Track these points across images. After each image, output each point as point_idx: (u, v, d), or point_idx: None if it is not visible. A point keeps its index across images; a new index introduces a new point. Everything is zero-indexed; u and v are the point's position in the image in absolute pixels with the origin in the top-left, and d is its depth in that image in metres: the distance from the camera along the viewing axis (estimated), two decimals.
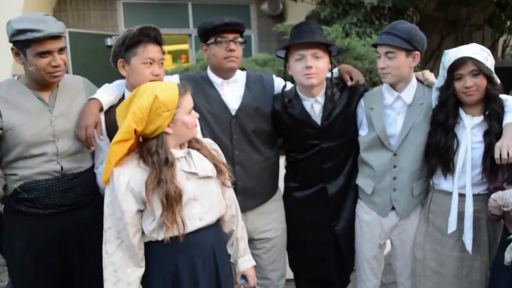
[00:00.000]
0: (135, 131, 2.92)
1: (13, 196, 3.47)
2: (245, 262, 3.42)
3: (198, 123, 3.15)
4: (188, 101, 3.03)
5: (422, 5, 9.59)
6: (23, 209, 3.47)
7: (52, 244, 3.53)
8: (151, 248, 3.06)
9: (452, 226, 3.60)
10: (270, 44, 12.13)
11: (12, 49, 3.42)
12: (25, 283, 3.57)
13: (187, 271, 3.03)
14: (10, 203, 3.52)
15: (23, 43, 3.33)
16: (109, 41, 10.95)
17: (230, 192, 3.36)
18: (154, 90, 2.94)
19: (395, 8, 9.19)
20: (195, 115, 3.09)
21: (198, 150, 3.18)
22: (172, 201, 2.91)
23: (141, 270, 3.02)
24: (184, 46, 13.49)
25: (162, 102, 2.91)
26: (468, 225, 3.54)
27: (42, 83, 3.50)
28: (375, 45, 3.90)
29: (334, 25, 7.60)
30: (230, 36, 3.85)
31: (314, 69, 3.73)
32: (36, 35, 3.28)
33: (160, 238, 2.98)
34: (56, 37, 3.38)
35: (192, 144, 3.19)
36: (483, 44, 3.66)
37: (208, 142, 3.34)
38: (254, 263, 3.49)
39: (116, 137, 2.94)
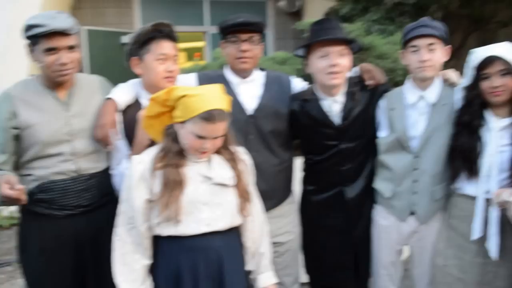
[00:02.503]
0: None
1: (29, 197, 3.36)
2: (265, 279, 3.33)
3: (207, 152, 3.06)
4: (201, 128, 2.93)
5: (446, 1, 9.46)
6: (38, 210, 3.47)
7: (67, 246, 3.54)
8: (159, 244, 3.10)
9: (476, 232, 3.48)
10: (286, 42, 12.11)
11: (27, 45, 3.45)
12: (39, 284, 3.58)
13: (189, 272, 3.02)
14: (25, 204, 3.41)
15: (33, 38, 3.37)
16: (124, 39, 10.96)
17: (255, 207, 3.29)
18: (203, 90, 3.00)
19: (417, 5, 9.02)
20: (205, 145, 2.99)
21: (224, 157, 3.16)
22: (171, 186, 2.95)
23: (147, 261, 3.09)
24: (199, 44, 13.49)
25: (192, 103, 2.93)
26: (494, 231, 3.42)
27: (54, 82, 3.50)
28: (407, 40, 3.74)
29: (356, 22, 7.50)
30: (244, 36, 3.81)
31: (339, 67, 3.65)
32: (40, 30, 3.31)
33: (164, 234, 3.03)
34: (64, 34, 3.38)
35: (220, 149, 3.15)
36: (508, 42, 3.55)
37: (240, 152, 3.28)
38: (275, 280, 3.39)
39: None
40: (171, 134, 3.05)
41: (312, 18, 5.76)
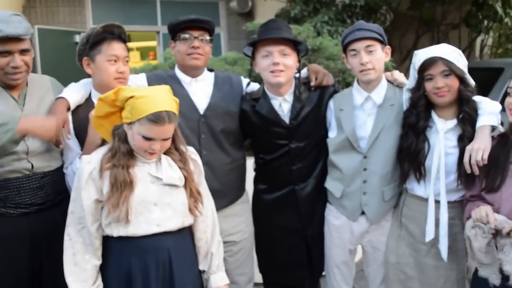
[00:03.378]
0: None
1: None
2: (217, 280, 3.34)
3: (156, 153, 3.06)
4: (148, 129, 2.93)
5: (395, 3, 9.55)
6: None
7: (22, 244, 3.51)
8: (109, 244, 3.09)
9: (430, 234, 3.52)
10: (239, 42, 12.10)
11: None
12: None
13: (140, 272, 3.02)
14: None
15: None
16: (77, 38, 10.82)
17: (207, 206, 3.31)
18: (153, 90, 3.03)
19: (367, 6, 9.10)
20: (153, 146, 2.99)
21: (173, 158, 3.16)
22: (119, 186, 2.94)
23: (98, 261, 3.08)
24: (153, 43, 13.41)
25: (140, 104, 2.92)
26: (443, 233, 3.47)
27: (6, 84, 3.49)
28: (346, 45, 3.79)
29: (305, 24, 7.53)
30: (195, 33, 3.83)
31: (281, 66, 3.69)
32: None
33: (115, 235, 3.02)
34: (17, 38, 3.38)
35: (169, 150, 3.15)
36: (459, 44, 3.61)
37: (190, 151, 3.29)
38: (227, 281, 3.41)
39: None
40: (119, 135, 3.05)
41: (264, 18, 5.81)
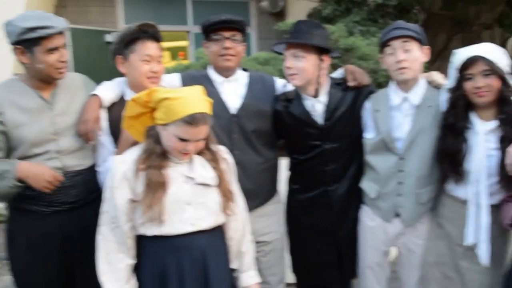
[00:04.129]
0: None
1: (16, 193, 3.45)
2: (248, 278, 3.36)
3: (190, 155, 3.09)
4: (184, 131, 2.94)
5: (428, 3, 9.46)
6: (26, 207, 3.50)
7: (54, 242, 3.56)
8: (143, 244, 3.10)
9: (469, 238, 3.46)
10: (270, 42, 11.97)
11: (16, 48, 3.41)
12: (27, 281, 3.59)
13: (175, 271, 3.03)
14: (13, 201, 3.55)
15: (32, 41, 3.35)
16: (108, 38, 10.93)
17: (238, 205, 3.31)
18: (190, 91, 3.01)
19: (400, 6, 9.02)
20: (187, 147, 3.00)
21: (205, 158, 3.18)
22: (153, 187, 2.96)
23: (131, 260, 3.10)
24: (183, 43, 13.44)
25: (174, 106, 2.91)
26: (484, 238, 3.40)
27: (46, 80, 3.53)
28: (383, 43, 3.74)
29: (338, 24, 7.49)
30: (227, 34, 3.85)
31: (293, 69, 3.70)
32: (49, 31, 3.34)
33: (148, 234, 3.03)
34: (61, 33, 3.45)
35: (201, 150, 3.15)
36: None
37: (221, 151, 3.30)
38: (258, 279, 3.42)
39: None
40: (153, 136, 3.05)
41: (295, 18, 5.79)
